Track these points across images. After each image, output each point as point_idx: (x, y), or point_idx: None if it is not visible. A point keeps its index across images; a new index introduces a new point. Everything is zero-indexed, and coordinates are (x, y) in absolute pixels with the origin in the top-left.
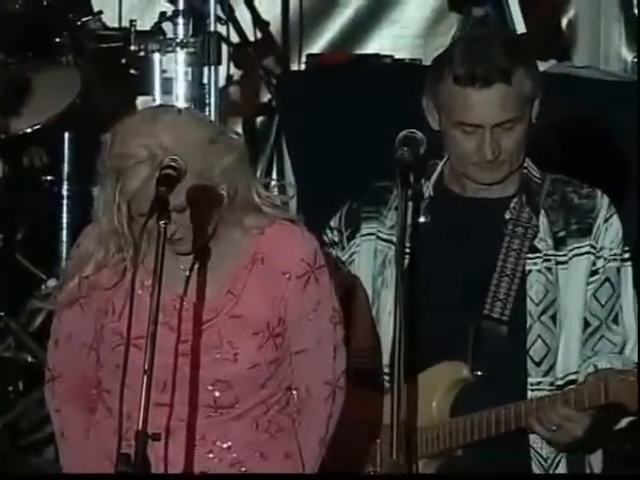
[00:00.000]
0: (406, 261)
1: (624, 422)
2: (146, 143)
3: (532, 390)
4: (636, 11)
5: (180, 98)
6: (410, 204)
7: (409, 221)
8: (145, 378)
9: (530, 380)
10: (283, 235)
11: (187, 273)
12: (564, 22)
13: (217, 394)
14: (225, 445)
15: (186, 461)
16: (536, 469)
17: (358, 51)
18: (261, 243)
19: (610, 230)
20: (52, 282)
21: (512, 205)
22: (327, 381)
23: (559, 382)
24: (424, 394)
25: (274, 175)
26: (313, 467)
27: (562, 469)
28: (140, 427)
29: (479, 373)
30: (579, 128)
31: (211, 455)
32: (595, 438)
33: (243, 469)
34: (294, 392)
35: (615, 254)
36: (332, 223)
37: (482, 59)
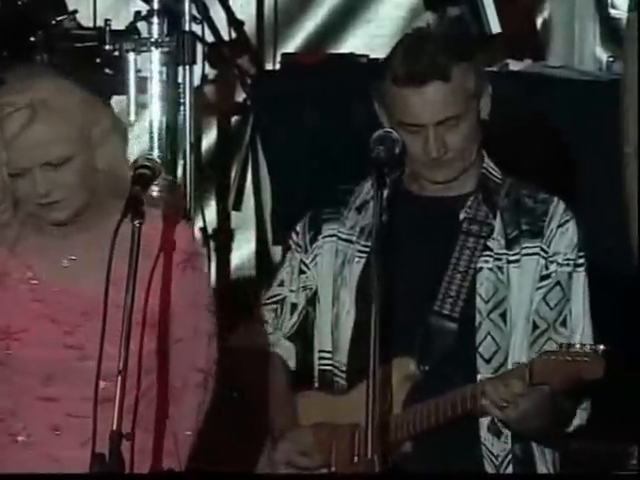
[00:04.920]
0: (362, 261)
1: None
2: (25, 94)
3: None
4: (611, 11)
5: (155, 97)
6: (386, 203)
7: (370, 220)
8: (119, 379)
9: (480, 377)
10: (161, 223)
11: (66, 263)
12: (539, 22)
13: (102, 386)
14: None
15: (75, 457)
16: (488, 467)
17: (333, 50)
18: (140, 231)
19: (566, 235)
20: None
21: (468, 203)
22: (200, 369)
23: None
24: None
25: (249, 174)
26: (184, 457)
27: (510, 467)
28: (115, 427)
29: (426, 368)
30: (554, 128)
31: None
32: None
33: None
34: (170, 380)
35: (569, 259)
36: (297, 228)
37: (418, 57)
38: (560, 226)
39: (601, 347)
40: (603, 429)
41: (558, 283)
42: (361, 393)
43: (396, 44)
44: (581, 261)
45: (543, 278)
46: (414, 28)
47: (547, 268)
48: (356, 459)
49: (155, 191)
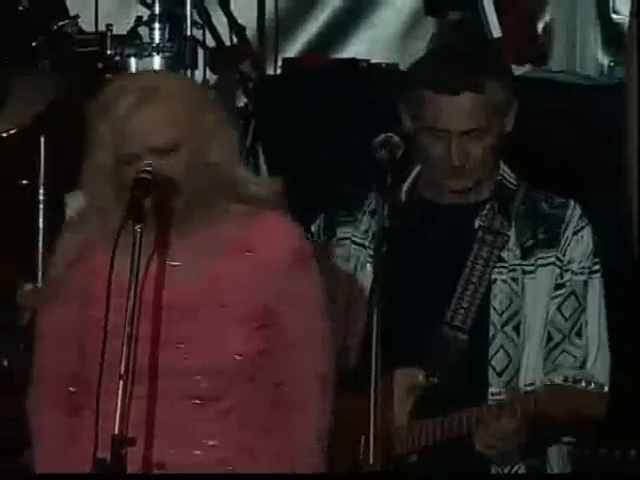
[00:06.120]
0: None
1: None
2: (137, 81)
3: (493, 400)
4: (613, 16)
5: None
6: (387, 208)
7: (386, 225)
8: (121, 382)
9: (491, 390)
10: (271, 223)
11: (168, 261)
12: (540, 26)
13: (204, 385)
14: (211, 442)
15: (174, 457)
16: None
17: (334, 55)
18: (249, 230)
19: (581, 243)
20: (28, 286)
21: (484, 212)
22: (319, 374)
23: None
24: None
25: None
26: (316, 463)
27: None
28: (116, 431)
29: (435, 380)
30: (556, 132)
31: (197, 452)
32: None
33: (230, 468)
34: (285, 387)
35: (583, 267)
36: (312, 229)
37: (456, 66)
38: (575, 233)
39: (606, 388)
40: (609, 434)
41: (573, 292)
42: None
43: (427, 52)
44: (596, 267)
45: (558, 287)
46: (450, 40)
47: (562, 277)
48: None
49: (269, 184)
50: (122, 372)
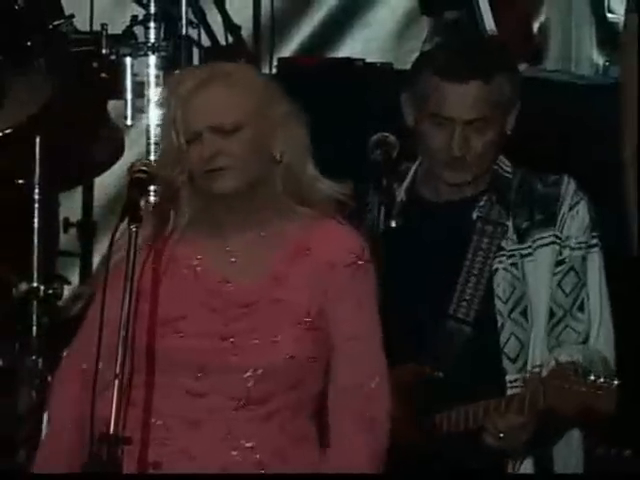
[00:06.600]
0: None
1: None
2: (207, 68)
3: (511, 387)
4: (608, 15)
5: (152, 102)
6: (383, 207)
7: (381, 225)
8: (116, 382)
9: (508, 377)
10: (332, 226)
11: (233, 257)
12: (535, 26)
13: (250, 384)
14: (248, 444)
15: (211, 455)
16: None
17: (330, 55)
18: (309, 232)
19: (576, 218)
20: (24, 286)
21: (481, 203)
22: (375, 376)
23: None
24: None
25: None
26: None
27: (528, 464)
28: (112, 430)
29: (440, 374)
30: (550, 131)
31: (234, 452)
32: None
33: (262, 471)
34: (335, 394)
35: (581, 242)
36: None
37: (466, 55)
38: (571, 209)
39: (615, 382)
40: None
41: (572, 268)
42: None
43: (444, 41)
44: (594, 242)
45: (558, 264)
46: (464, 32)
47: (561, 254)
48: None
49: (339, 188)
50: (117, 371)
